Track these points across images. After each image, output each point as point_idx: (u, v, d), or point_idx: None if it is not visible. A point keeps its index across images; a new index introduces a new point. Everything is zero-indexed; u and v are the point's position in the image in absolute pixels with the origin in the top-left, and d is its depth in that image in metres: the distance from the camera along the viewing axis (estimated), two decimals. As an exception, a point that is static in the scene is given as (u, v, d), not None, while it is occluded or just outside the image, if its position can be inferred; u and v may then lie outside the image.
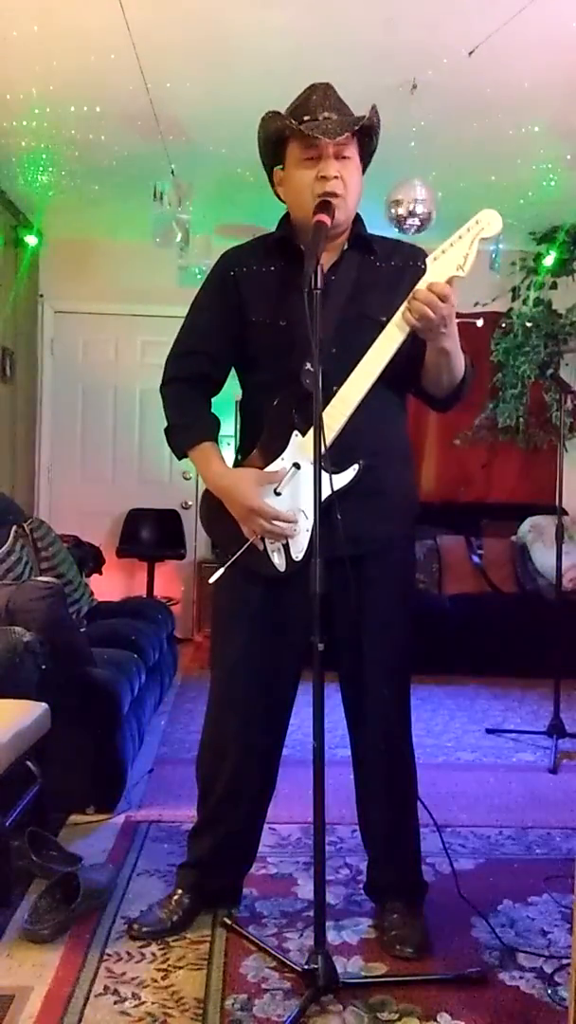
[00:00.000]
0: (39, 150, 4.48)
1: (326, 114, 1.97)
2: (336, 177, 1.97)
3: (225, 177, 4.66)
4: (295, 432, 2.03)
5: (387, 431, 2.12)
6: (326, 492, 1.86)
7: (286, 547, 2.03)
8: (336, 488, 1.91)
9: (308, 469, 1.96)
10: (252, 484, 2.02)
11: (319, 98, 2.00)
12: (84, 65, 3.59)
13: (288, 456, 2.03)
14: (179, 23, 3.28)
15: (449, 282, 1.92)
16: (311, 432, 1.88)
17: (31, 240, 5.51)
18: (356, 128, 1.97)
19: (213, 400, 2.22)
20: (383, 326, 1.99)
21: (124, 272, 5.90)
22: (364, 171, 2.11)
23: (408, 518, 2.21)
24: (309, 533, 1.97)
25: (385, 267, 2.10)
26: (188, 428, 2.15)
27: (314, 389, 1.84)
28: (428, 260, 1.97)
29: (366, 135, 2.03)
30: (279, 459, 2.04)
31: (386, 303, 2.00)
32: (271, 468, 2.04)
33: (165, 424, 2.18)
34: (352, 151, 2.01)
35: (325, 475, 1.87)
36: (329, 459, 1.90)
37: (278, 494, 2.03)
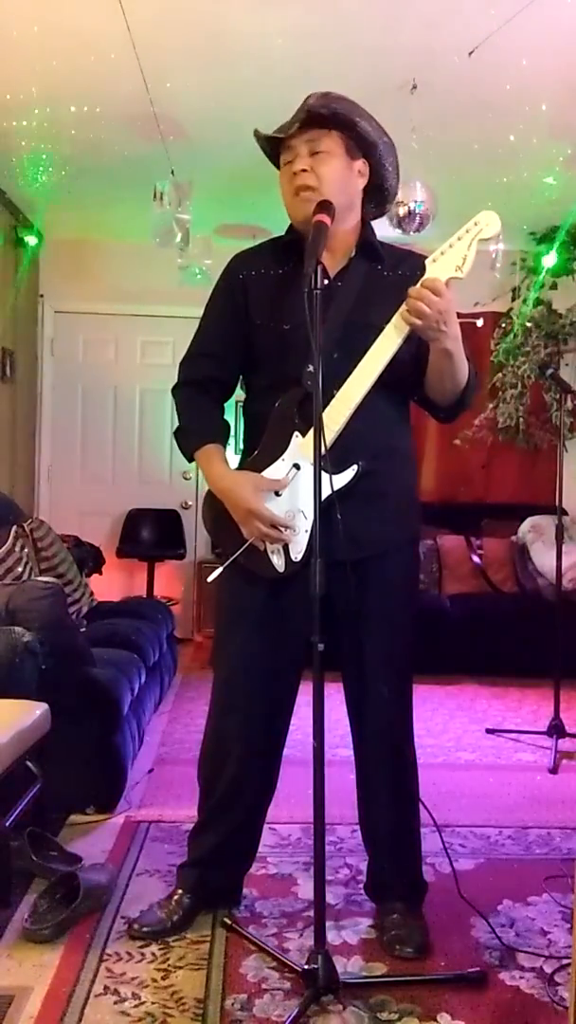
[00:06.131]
0: (39, 150, 4.48)
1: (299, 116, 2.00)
2: (305, 170, 1.99)
3: (225, 177, 4.66)
4: (296, 433, 2.03)
5: (389, 435, 2.12)
6: (326, 492, 1.86)
7: (285, 548, 2.03)
8: (335, 488, 1.91)
9: (308, 469, 1.96)
10: (251, 487, 2.03)
11: (304, 104, 2.03)
12: (84, 65, 3.59)
13: (289, 457, 2.04)
14: (179, 23, 3.28)
15: (447, 283, 1.93)
16: (311, 433, 1.88)
17: (31, 240, 5.51)
18: (303, 118, 1.98)
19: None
20: None
21: (124, 272, 5.90)
22: (379, 171, 2.10)
23: (410, 522, 2.21)
24: (308, 534, 1.98)
25: (392, 276, 2.10)
26: (195, 431, 2.17)
27: (314, 390, 1.84)
28: (427, 262, 1.97)
29: (344, 127, 2.02)
30: (280, 460, 2.04)
31: (390, 312, 1.99)
32: (272, 470, 2.05)
33: (175, 426, 2.20)
34: (329, 145, 2.01)
35: (325, 475, 1.87)
36: (329, 460, 1.90)
37: (278, 494, 2.04)
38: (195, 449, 2.15)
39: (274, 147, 2.08)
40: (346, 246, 2.10)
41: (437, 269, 1.95)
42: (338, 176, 2.03)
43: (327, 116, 2.00)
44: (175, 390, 2.21)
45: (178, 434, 2.20)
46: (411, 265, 2.11)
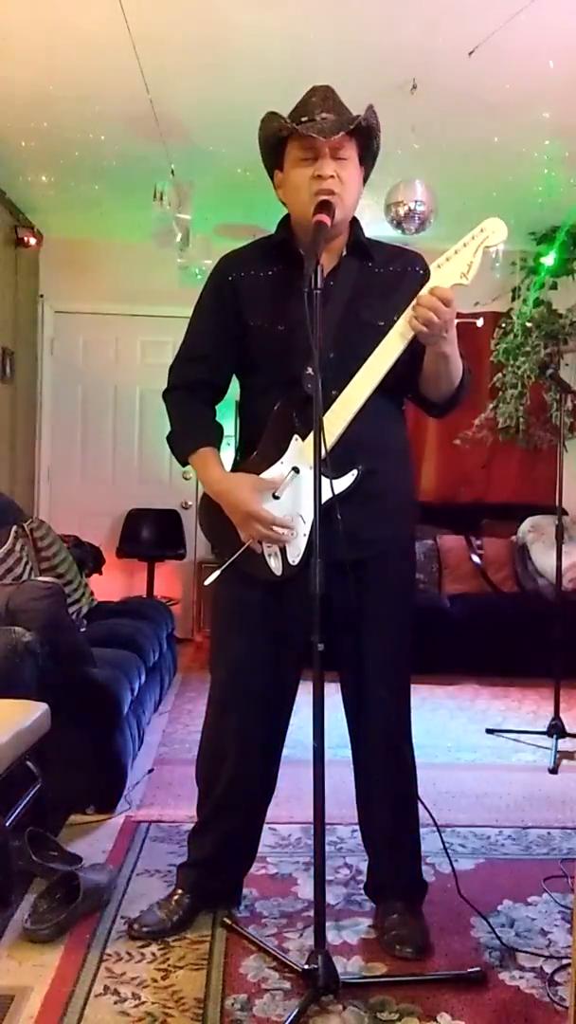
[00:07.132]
0: (39, 150, 4.48)
1: (323, 115, 1.97)
2: (332, 176, 1.97)
3: (225, 177, 4.66)
4: (295, 436, 2.03)
5: (386, 435, 2.12)
6: (325, 496, 1.86)
7: (283, 552, 2.03)
8: (335, 493, 1.90)
9: (307, 473, 1.96)
10: (249, 489, 2.02)
11: (318, 99, 2.00)
12: (84, 65, 3.59)
13: (288, 460, 2.03)
14: (179, 23, 3.28)
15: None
16: (311, 436, 1.88)
17: (31, 240, 5.51)
18: (351, 128, 1.96)
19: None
20: (382, 332, 1.99)
21: (124, 272, 5.90)
22: (367, 175, 2.11)
23: (408, 521, 2.22)
24: (306, 538, 1.98)
25: (384, 273, 2.10)
26: (188, 435, 2.16)
27: (314, 393, 1.84)
28: (432, 267, 1.97)
29: (366, 136, 2.02)
30: (279, 463, 2.04)
31: (385, 309, 2.00)
32: (270, 472, 2.04)
33: (168, 431, 2.19)
34: (350, 152, 2.01)
35: (325, 480, 1.86)
36: (329, 464, 1.90)
37: (276, 498, 2.03)
38: (190, 453, 2.13)
39: (278, 134, 2.02)
40: (339, 246, 2.10)
41: (442, 275, 1.94)
42: (357, 183, 2.05)
43: (363, 127, 1.99)
44: (166, 394, 2.20)
45: (171, 438, 2.18)
46: (403, 262, 2.12)
